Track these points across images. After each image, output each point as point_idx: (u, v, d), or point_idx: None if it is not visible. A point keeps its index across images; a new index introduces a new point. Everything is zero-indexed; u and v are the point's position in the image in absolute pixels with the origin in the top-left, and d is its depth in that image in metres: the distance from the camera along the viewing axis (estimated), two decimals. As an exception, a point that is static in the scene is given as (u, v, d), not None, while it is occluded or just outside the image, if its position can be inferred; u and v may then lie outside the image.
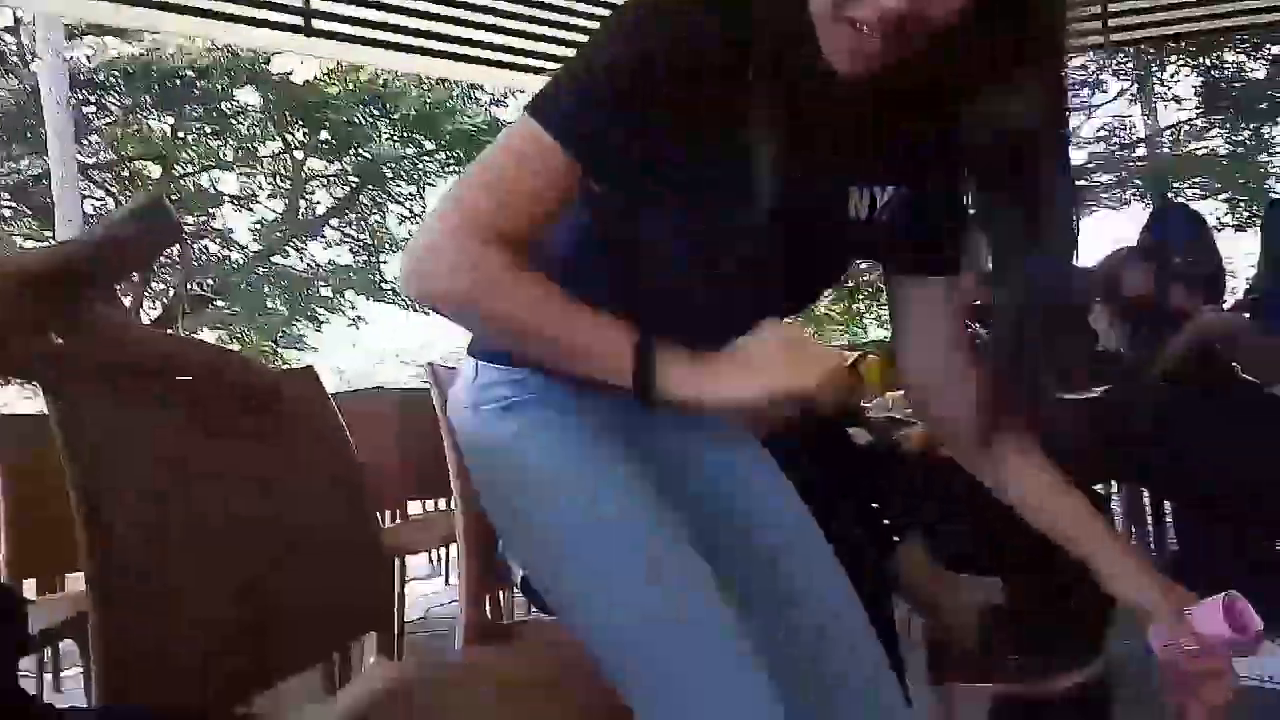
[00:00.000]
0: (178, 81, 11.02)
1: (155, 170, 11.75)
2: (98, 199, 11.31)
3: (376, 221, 13.92)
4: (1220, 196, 13.76)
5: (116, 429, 0.84)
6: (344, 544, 0.92)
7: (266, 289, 12.97)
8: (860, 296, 14.31)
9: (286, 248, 13.12)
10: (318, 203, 13.69)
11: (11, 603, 0.52)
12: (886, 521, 1.37)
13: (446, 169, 12.96)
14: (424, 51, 4.77)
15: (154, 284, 11.77)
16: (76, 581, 2.30)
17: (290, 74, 9.87)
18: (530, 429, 0.90)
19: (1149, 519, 2.47)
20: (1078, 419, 2.23)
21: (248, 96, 12.02)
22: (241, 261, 12.93)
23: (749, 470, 1.01)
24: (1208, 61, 13.47)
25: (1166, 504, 2.66)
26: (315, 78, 10.34)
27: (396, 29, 4.86)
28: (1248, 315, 2.90)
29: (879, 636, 1.14)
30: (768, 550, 0.95)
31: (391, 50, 4.89)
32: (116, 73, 10.90)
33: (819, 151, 0.81)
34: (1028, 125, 0.78)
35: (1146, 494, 2.51)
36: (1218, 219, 13.48)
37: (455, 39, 4.77)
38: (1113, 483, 2.65)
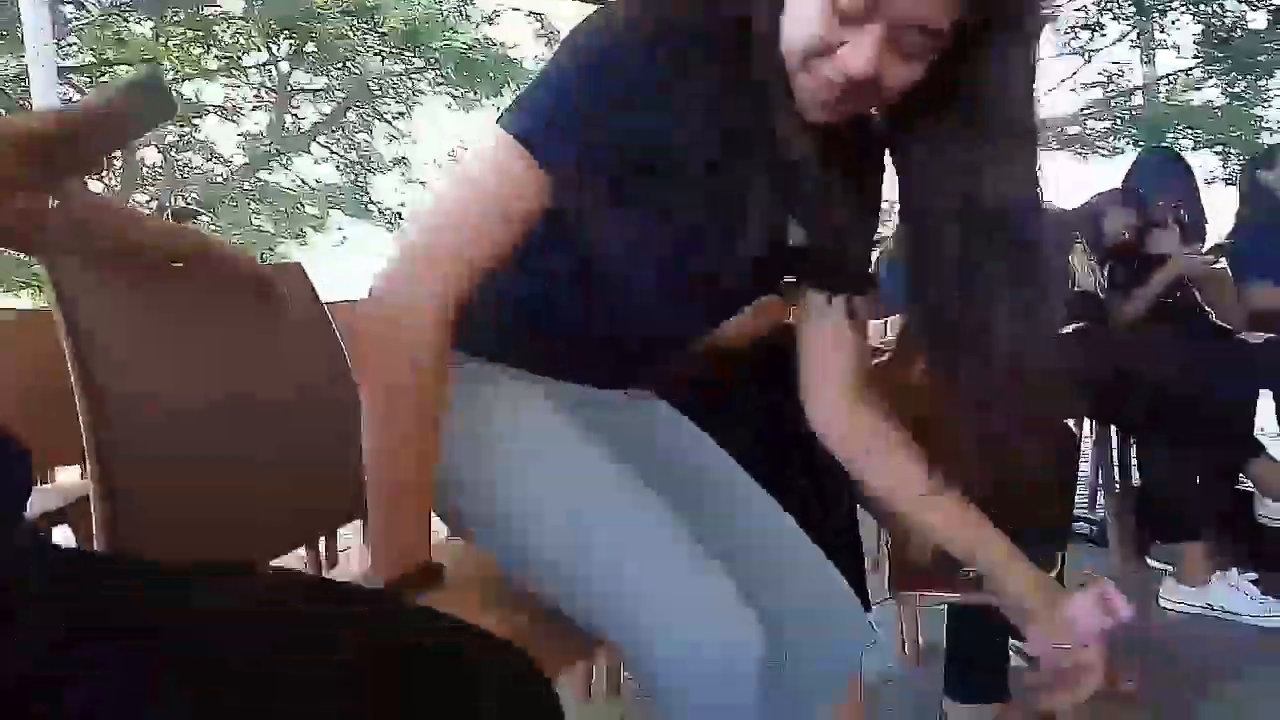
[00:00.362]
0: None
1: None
2: (77, 101, 11.03)
3: (364, 140, 13.67)
4: (1215, 149, 13.72)
5: (110, 303, 0.86)
6: (331, 431, 0.95)
7: (252, 205, 12.77)
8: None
9: (272, 163, 12.88)
10: (303, 118, 13.41)
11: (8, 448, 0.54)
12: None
13: (436, 87, 12.70)
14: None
15: (137, 195, 11.58)
16: (68, 475, 2.34)
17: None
18: (492, 380, 0.94)
19: (1115, 456, 2.54)
20: (1050, 357, 2.27)
21: (231, 3, 11.68)
22: (226, 176, 12.71)
23: (689, 440, 1.09)
24: (1208, 10, 13.29)
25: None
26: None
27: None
28: (1223, 263, 2.95)
29: (849, 547, 1.19)
30: (721, 501, 1.02)
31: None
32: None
33: (776, 186, 0.84)
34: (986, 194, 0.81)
35: (1115, 431, 2.57)
36: (1211, 171, 13.47)
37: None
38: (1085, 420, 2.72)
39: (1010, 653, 1.69)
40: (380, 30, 11.66)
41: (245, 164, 12.71)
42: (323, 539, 2.11)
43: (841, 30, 0.74)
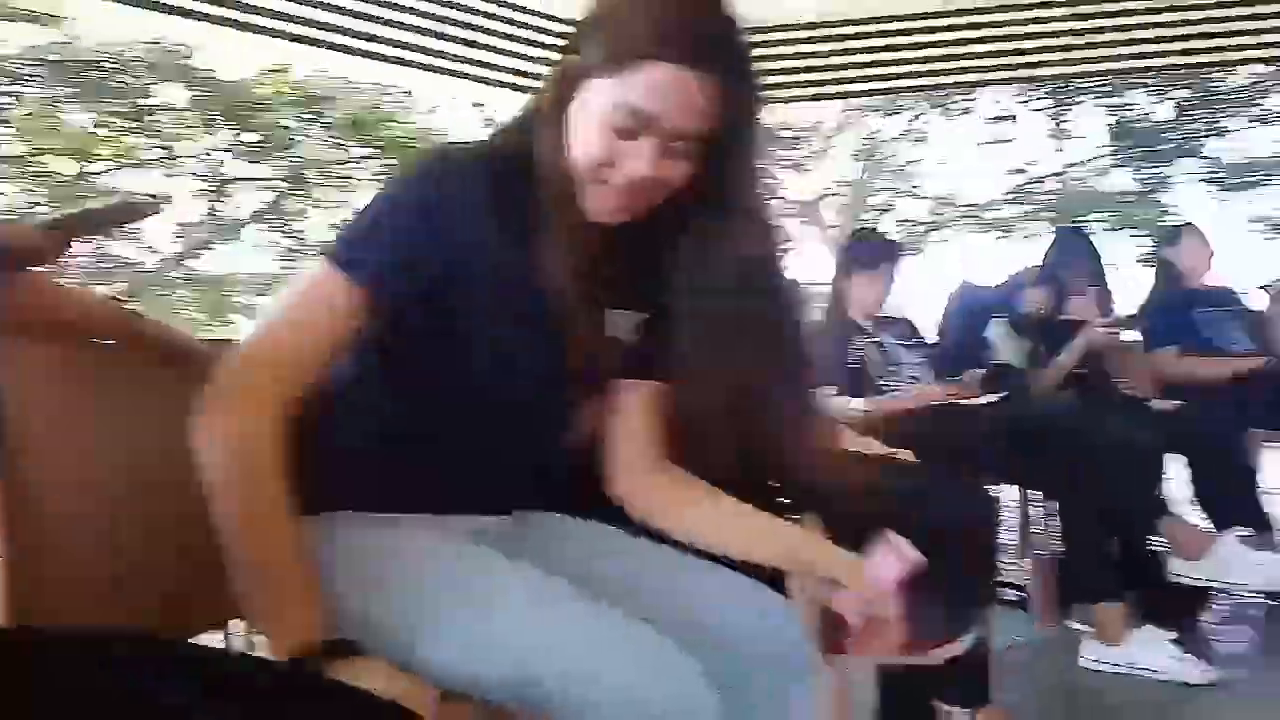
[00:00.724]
0: (96, 73, 10.70)
1: (71, 166, 11.37)
2: (5, 195, 10.89)
3: (300, 228, 13.66)
4: (1124, 232, 14.45)
5: (41, 378, 0.87)
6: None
7: (181, 294, 12.60)
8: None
9: (205, 252, 12.78)
10: (238, 206, 13.38)
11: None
12: (785, 501, 1.45)
13: (376, 176, 12.83)
14: (356, 52, 4.77)
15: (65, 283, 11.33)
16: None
17: (214, 72, 9.66)
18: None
19: (1036, 520, 2.62)
20: (975, 425, 2.36)
21: (172, 93, 11.72)
22: (156, 265, 12.55)
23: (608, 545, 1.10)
24: (1116, 101, 14.16)
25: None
26: (244, 77, 10.13)
27: (328, 27, 4.84)
28: (1133, 335, 3.11)
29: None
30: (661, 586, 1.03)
31: (325, 49, 4.86)
32: (33, 61, 10.54)
33: (584, 284, 0.94)
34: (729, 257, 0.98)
35: (1036, 496, 2.66)
36: (1121, 254, 14.16)
37: (389, 41, 4.77)
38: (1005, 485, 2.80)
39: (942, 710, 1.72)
40: (325, 121, 11.80)
41: (178, 252, 12.59)
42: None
43: (622, 145, 0.88)
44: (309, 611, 0.82)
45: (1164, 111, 14.18)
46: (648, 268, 1.00)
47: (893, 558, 0.99)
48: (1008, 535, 2.78)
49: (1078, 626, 2.22)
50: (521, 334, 0.94)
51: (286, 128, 11.88)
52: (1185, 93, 13.68)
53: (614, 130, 0.87)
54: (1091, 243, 3.46)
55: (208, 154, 12.75)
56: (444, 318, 0.92)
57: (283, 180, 12.95)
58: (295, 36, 4.76)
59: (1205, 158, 14.40)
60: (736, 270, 0.97)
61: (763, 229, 0.99)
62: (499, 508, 1.06)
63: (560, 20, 5.32)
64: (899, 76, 6.45)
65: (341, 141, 12.19)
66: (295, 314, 0.89)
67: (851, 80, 6.49)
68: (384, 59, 4.81)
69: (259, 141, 12.47)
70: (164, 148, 12.25)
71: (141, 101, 11.49)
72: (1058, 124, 14.96)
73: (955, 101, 14.29)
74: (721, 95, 0.88)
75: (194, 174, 12.92)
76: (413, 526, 0.96)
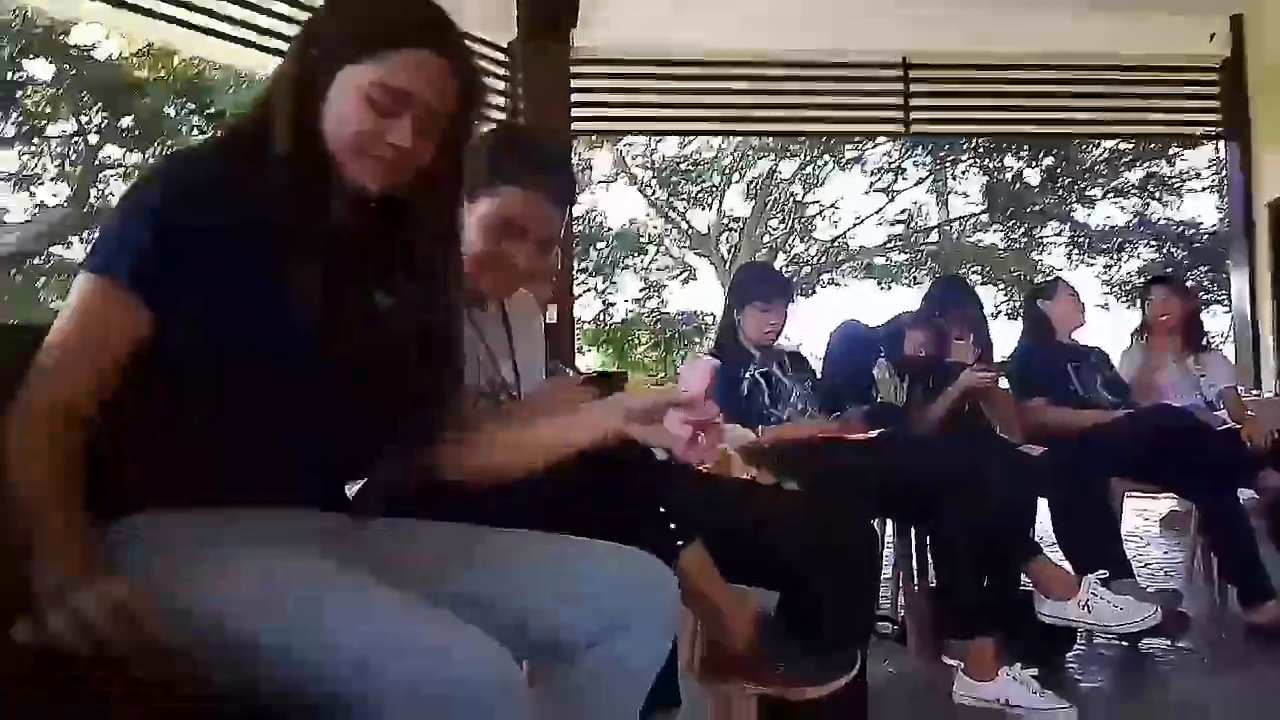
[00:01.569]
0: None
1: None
2: None
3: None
4: (998, 286, 15.27)
5: None
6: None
7: (41, 281, 11.78)
8: (675, 348, 14.75)
9: (71, 238, 11.98)
10: (110, 194, 12.63)
11: None
12: (673, 527, 1.41)
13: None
14: (242, 42, 4.53)
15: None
16: None
17: (93, 47, 9.07)
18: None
19: (913, 557, 2.67)
20: (857, 460, 2.39)
21: (39, 68, 11.00)
22: (12, 249, 11.69)
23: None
24: (992, 164, 14.99)
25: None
26: (122, 56, 9.53)
27: (215, 14, 4.60)
28: (1005, 382, 3.24)
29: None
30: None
31: (211, 35, 4.62)
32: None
33: (346, 260, 1.01)
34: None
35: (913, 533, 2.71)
36: (995, 306, 14.93)
37: (276, 34, 4.56)
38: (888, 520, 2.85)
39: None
40: (209, 112, 11.26)
41: (38, 235, 11.75)
42: None
43: (385, 121, 0.98)
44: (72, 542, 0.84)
45: (1034, 176, 15.10)
46: (400, 254, 1.08)
47: (696, 367, 1.11)
48: (887, 569, 2.83)
49: (951, 662, 2.26)
50: (281, 315, 0.96)
51: (167, 116, 11.29)
52: (1051, 160, 14.60)
53: (375, 107, 0.98)
54: (972, 290, 3.60)
55: (76, 137, 12.01)
56: (208, 305, 0.95)
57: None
58: (178, 20, 4.52)
59: (1072, 222, 15.38)
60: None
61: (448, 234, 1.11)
62: (306, 500, 1.04)
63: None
64: (793, 120, 6.66)
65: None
66: (64, 325, 0.92)
67: (747, 120, 6.66)
68: (275, 52, 4.59)
69: (134, 128, 11.82)
70: (28, 125, 11.47)
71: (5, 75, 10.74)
72: (939, 180, 15.75)
73: (845, 151, 14.85)
74: (460, 81, 1.02)
75: (59, 155, 12.15)
76: (219, 523, 0.94)
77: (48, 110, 11.56)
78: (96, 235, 0.96)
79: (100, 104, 11.41)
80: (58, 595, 0.79)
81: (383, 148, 0.99)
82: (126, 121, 11.76)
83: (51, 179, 12.18)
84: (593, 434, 1.08)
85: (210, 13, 4.57)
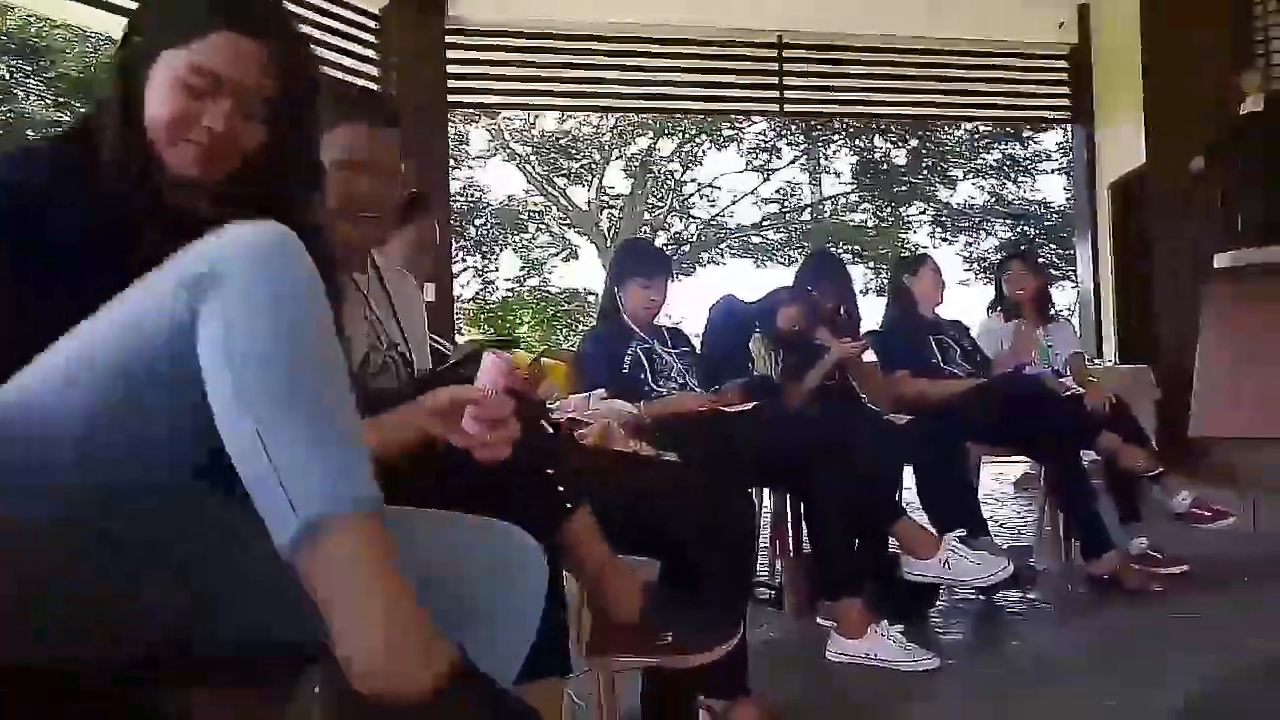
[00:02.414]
0: None
1: None
2: None
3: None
4: (867, 264, 15.85)
5: None
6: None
7: None
8: (560, 318, 14.71)
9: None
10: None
11: None
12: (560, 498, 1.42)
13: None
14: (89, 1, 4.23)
15: None
16: None
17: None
18: None
19: (789, 521, 2.77)
20: (734, 431, 2.46)
21: None
22: None
23: None
24: (861, 144, 15.51)
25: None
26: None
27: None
28: (873, 355, 3.38)
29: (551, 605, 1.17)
30: None
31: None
32: None
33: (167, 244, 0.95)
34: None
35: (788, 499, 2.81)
36: (864, 284, 15.51)
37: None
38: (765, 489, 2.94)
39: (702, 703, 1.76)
40: (46, 74, 10.46)
41: None
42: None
43: (198, 104, 0.99)
44: None
45: (901, 157, 15.71)
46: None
47: (489, 364, 1.12)
48: (764, 537, 2.92)
49: (824, 623, 2.37)
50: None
51: (2, 78, 10.43)
52: (916, 142, 15.23)
53: (188, 91, 0.98)
54: (843, 265, 3.73)
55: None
56: (45, 303, 0.89)
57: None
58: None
59: (935, 202, 16.09)
60: None
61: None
62: None
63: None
64: (670, 98, 6.72)
65: (66, 100, 10.86)
66: None
67: (624, 96, 6.68)
68: (120, 11, 4.29)
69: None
70: None
71: None
72: (812, 159, 16.18)
73: (722, 130, 15.08)
74: (279, 60, 1.02)
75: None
76: None
77: None
78: None
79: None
80: None
81: (198, 132, 0.99)
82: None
83: None
84: (403, 434, 1.09)
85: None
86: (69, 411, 0.81)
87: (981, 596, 2.77)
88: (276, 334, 0.81)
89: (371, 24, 5.52)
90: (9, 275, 0.92)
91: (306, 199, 1.12)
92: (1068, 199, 12.89)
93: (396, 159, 1.44)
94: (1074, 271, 8.70)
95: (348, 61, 5.39)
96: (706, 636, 1.45)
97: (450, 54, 5.77)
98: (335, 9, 5.28)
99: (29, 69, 10.54)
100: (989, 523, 3.04)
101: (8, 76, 10.68)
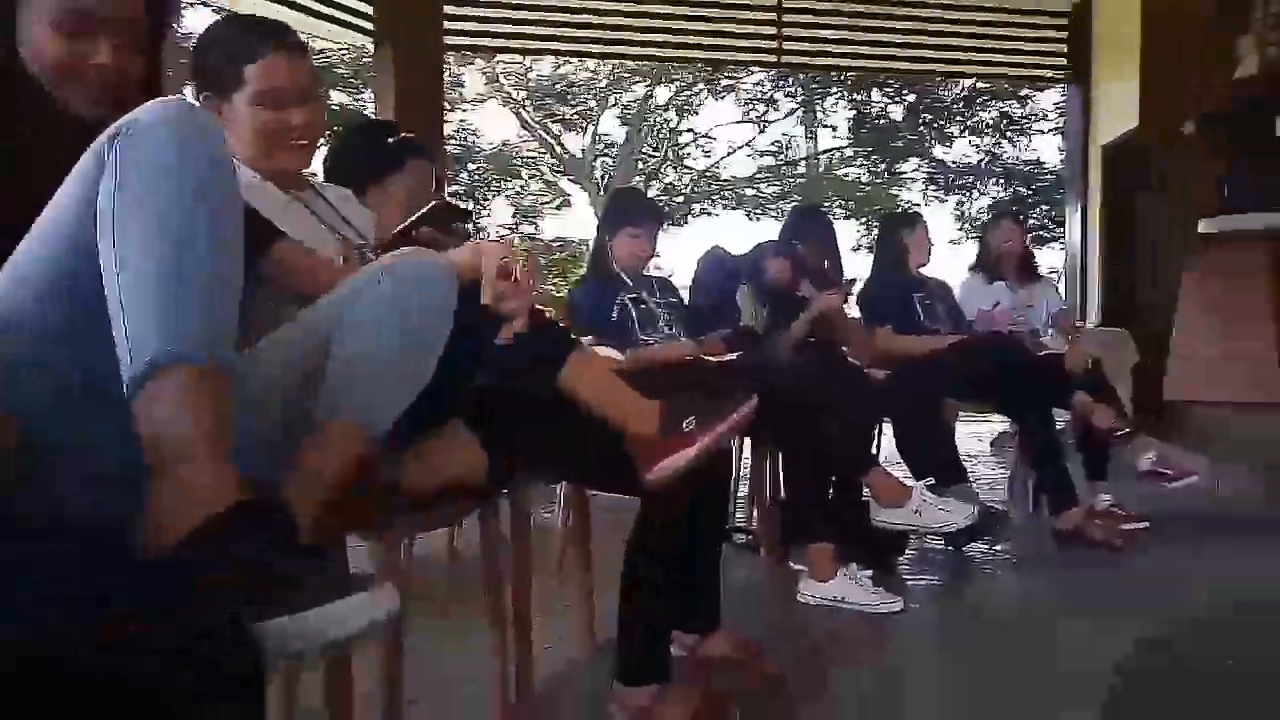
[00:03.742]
0: None
1: None
2: None
3: None
4: (860, 219, 15.84)
5: None
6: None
7: None
8: (551, 266, 14.67)
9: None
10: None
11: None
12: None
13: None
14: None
15: None
16: None
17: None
18: None
19: (767, 470, 2.86)
20: (718, 380, 2.52)
21: None
22: None
23: None
24: (859, 98, 15.39)
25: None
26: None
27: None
28: (858, 311, 3.45)
29: None
30: None
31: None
32: None
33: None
34: None
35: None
36: (857, 240, 15.52)
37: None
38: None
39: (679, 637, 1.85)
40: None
41: None
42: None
43: (76, 42, 1.03)
44: None
45: (898, 113, 15.61)
46: None
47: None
48: (744, 486, 3.02)
49: (797, 566, 2.46)
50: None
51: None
52: (914, 97, 15.12)
53: (67, 32, 1.02)
54: (828, 219, 3.77)
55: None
56: None
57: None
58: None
59: (930, 159, 16.01)
60: None
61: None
62: None
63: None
64: (668, 45, 6.67)
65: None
66: None
67: (622, 42, 6.63)
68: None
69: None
70: None
71: None
72: (809, 113, 16.05)
73: (720, 80, 14.93)
74: None
75: None
76: None
77: None
78: None
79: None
80: None
81: (88, 71, 1.03)
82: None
83: None
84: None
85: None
86: (23, 311, 0.87)
87: (950, 547, 2.87)
88: (171, 185, 0.85)
89: (366, -38, 5.45)
90: None
91: None
92: (1061, 160, 12.89)
93: (314, 83, 1.50)
94: (1063, 233, 8.74)
95: (344, 0, 5.33)
96: (725, 405, 1.51)
97: (446, -5, 5.71)
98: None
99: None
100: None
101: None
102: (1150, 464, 3.09)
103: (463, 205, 1.52)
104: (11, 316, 0.88)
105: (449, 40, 5.94)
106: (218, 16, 1.21)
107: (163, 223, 0.85)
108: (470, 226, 1.40)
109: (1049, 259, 13.32)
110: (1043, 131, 15.32)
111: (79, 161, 0.88)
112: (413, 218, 1.57)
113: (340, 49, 10.96)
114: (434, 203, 1.63)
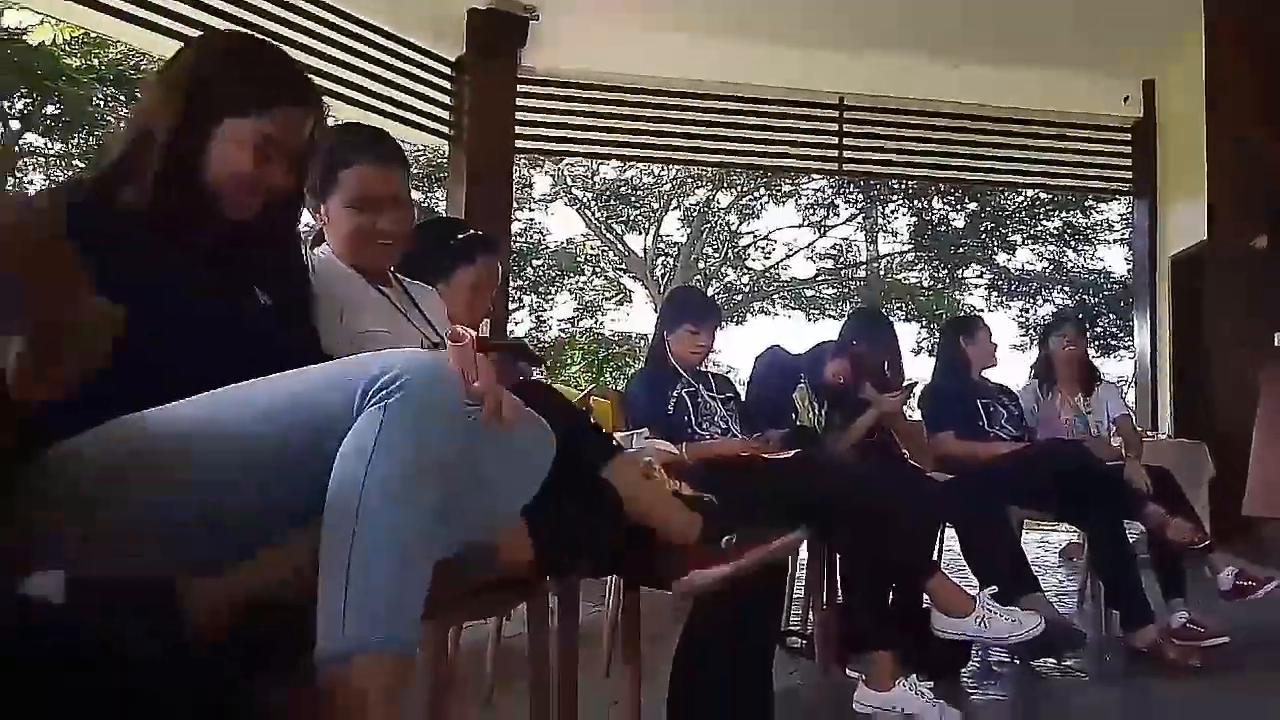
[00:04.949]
0: None
1: None
2: None
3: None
4: (920, 322, 15.77)
5: None
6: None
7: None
8: (610, 359, 14.82)
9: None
10: (30, 183, 12.22)
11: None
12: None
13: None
14: (178, 36, 4.49)
15: None
16: None
17: (25, 32, 8.77)
18: None
19: (824, 572, 2.79)
20: (774, 479, 2.50)
21: (-37, 49, 10.60)
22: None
23: None
24: (920, 205, 15.51)
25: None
26: (53, 43, 9.23)
27: (153, 6, 4.56)
28: (919, 414, 3.40)
29: None
30: None
31: (145, 29, 4.57)
32: None
33: (223, 270, 1.22)
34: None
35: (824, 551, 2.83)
36: (917, 342, 15.42)
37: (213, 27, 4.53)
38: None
39: None
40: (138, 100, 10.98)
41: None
42: None
43: (264, 167, 1.20)
44: None
45: (959, 220, 15.66)
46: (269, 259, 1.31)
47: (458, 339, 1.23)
48: (800, 587, 2.94)
49: (853, 673, 2.37)
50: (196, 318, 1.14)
51: (95, 106, 10.99)
52: (975, 205, 15.18)
53: (257, 154, 1.19)
54: (888, 321, 3.76)
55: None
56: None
57: (82, 160, 11.94)
58: (115, 9, 4.46)
59: (993, 265, 15.95)
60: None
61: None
62: None
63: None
64: (731, 153, 6.84)
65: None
66: None
67: (685, 149, 6.82)
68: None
69: (59, 116, 11.47)
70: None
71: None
72: (869, 218, 16.20)
73: (781, 185, 15.21)
74: (314, 118, 1.26)
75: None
76: None
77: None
78: None
79: (25, 89, 11.05)
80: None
81: (260, 186, 1.21)
82: (51, 109, 11.41)
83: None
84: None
85: (150, 5, 4.53)
86: (245, 444, 0.99)
87: (1017, 660, 2.75)
88: (414, 452, 0.95)
89: (447, 70, 5.75)
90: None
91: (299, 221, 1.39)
92: (1128, 270, 12.74)
93: (405, 192, 1.62)
94: (1131, 343, 8.57)
95: (422, 105, 5.61)
96: (767, 531, 1.51)
97: (520, 101, 5.97)
98: (414, 54, 5.52)
99: (122, 99, 11.08)
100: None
101: (104, 105, 11.24)
102: (1232, 581, 2.93)
103: (539, 354, 1.56)
104: (232, 438, 1.00)
105: (519, 144, 6.18)
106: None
107: (416, 506, 0.94)
108: (536, 370, 1.47)
109: (1116, 368, 13.04)
110: (1109, 241, 15.20)
111: (338, 375, 1.00)
112: (495, 341, 1.63)
113: (417, 150, 11.45)
114: (518, 340, 1.69)
